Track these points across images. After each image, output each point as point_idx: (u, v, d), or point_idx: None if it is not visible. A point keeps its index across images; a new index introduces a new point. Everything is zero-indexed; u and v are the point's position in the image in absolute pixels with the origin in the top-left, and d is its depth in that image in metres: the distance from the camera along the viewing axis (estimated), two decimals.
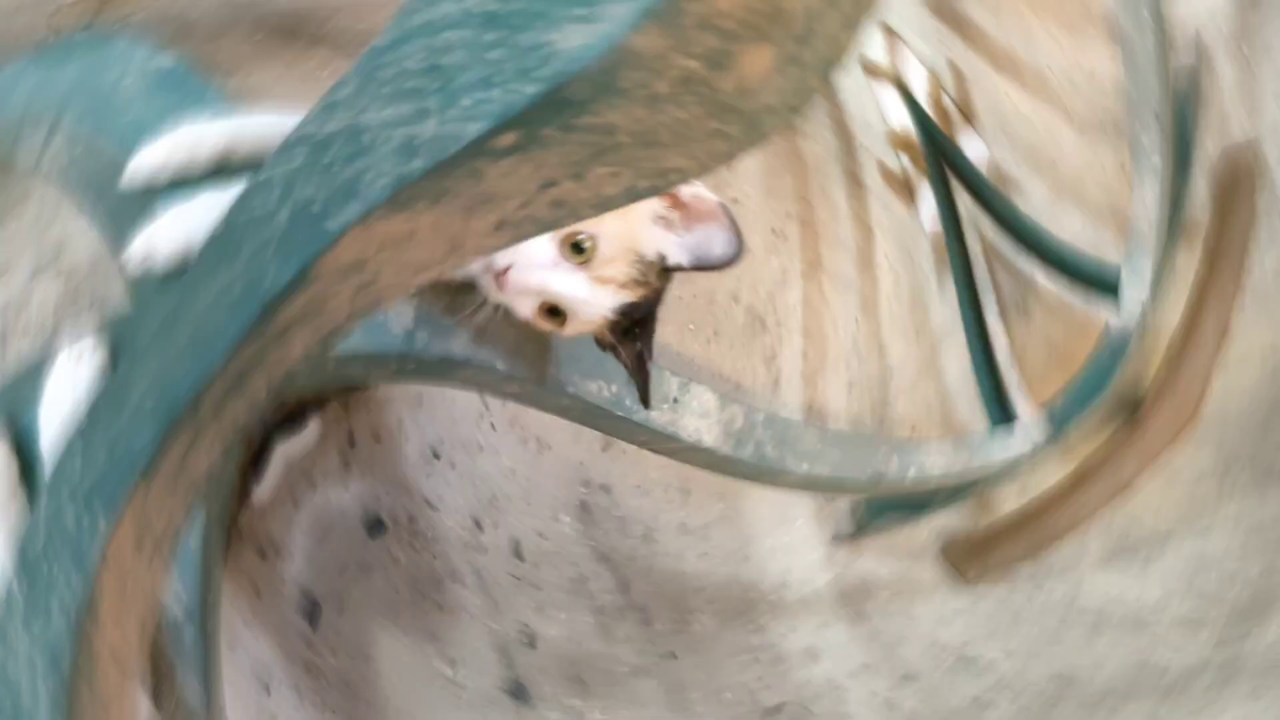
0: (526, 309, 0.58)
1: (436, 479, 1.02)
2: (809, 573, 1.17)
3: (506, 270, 0.55)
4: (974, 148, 1.28)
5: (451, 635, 0.95)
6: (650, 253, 0.58)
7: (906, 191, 1.33)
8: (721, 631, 1.09)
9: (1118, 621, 1.35)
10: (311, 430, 0.89)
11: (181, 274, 0.42)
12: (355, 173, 0.33)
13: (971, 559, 1.54)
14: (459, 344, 0.60)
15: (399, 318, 0.58)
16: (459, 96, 0.32)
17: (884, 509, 1.17)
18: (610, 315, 0.57)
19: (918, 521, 1.17)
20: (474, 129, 0.31)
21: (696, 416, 0.69)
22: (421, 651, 0.93)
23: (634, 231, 0.58)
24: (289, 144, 0.35)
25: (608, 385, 0.66)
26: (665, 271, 0.59)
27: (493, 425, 1.07)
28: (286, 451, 0.88)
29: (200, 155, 0.56)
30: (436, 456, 1.04)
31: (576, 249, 0.56)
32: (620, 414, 0.66)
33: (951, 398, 1.25)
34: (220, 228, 0.37)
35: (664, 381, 0.68)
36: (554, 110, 0.31)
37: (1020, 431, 1.05)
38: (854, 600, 1.15)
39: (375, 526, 0.95)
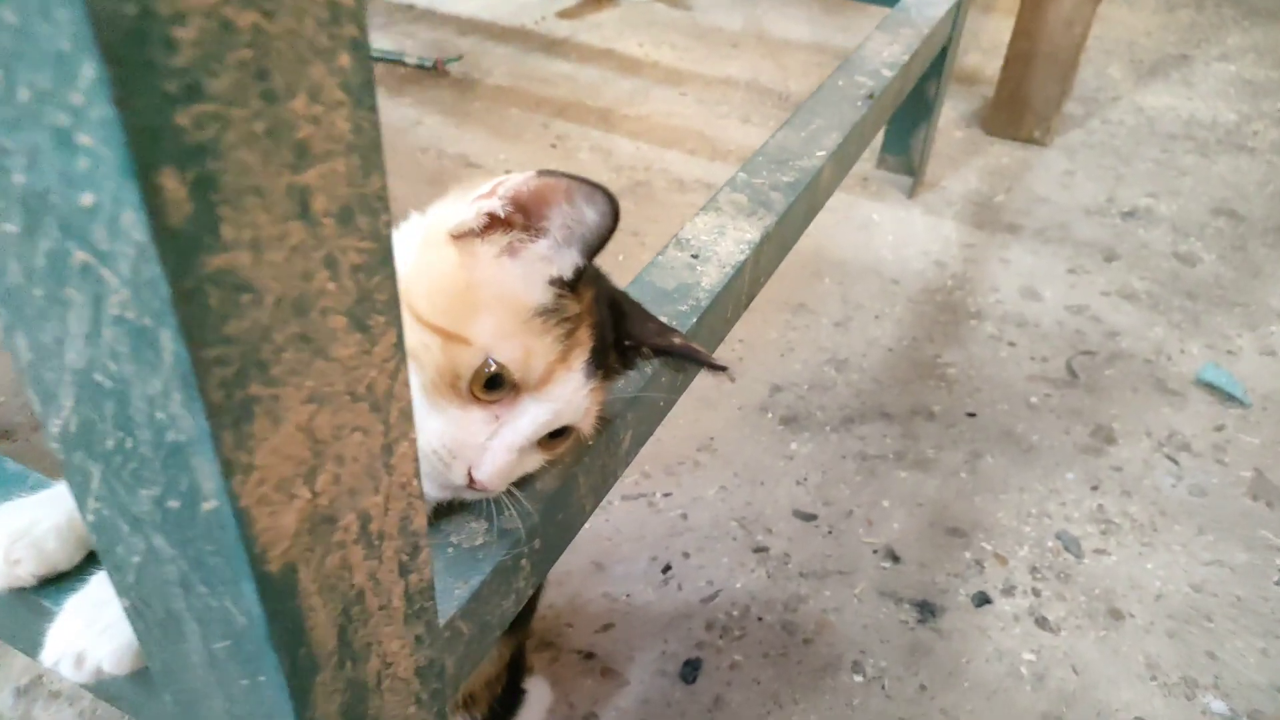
0: (532, 465, 0.55)
1: None
2: None
3: (470, 476, 0.50)
4: None
5: None
6: (537, 296, 0.49)
7: None
8: None
9: (1215, 142, 1.79)
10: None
11: None
12: None
13: (1019, 119, 1.68)
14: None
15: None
16: None
17: None
18: (590, 387, 0.52)
19: None
20: None
21: None
22: None
23: (505, 296, 0.49)
24: None
25: None
26: (573, 284, 0.51)
27: None
28: None
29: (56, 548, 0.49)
30: None
31: (493, 385, 0.49)
32: None
33: None
34: None
35: None
36: None
37: None
38: None
39: None
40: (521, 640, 0.76)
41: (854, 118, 1.05)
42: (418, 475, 0.40)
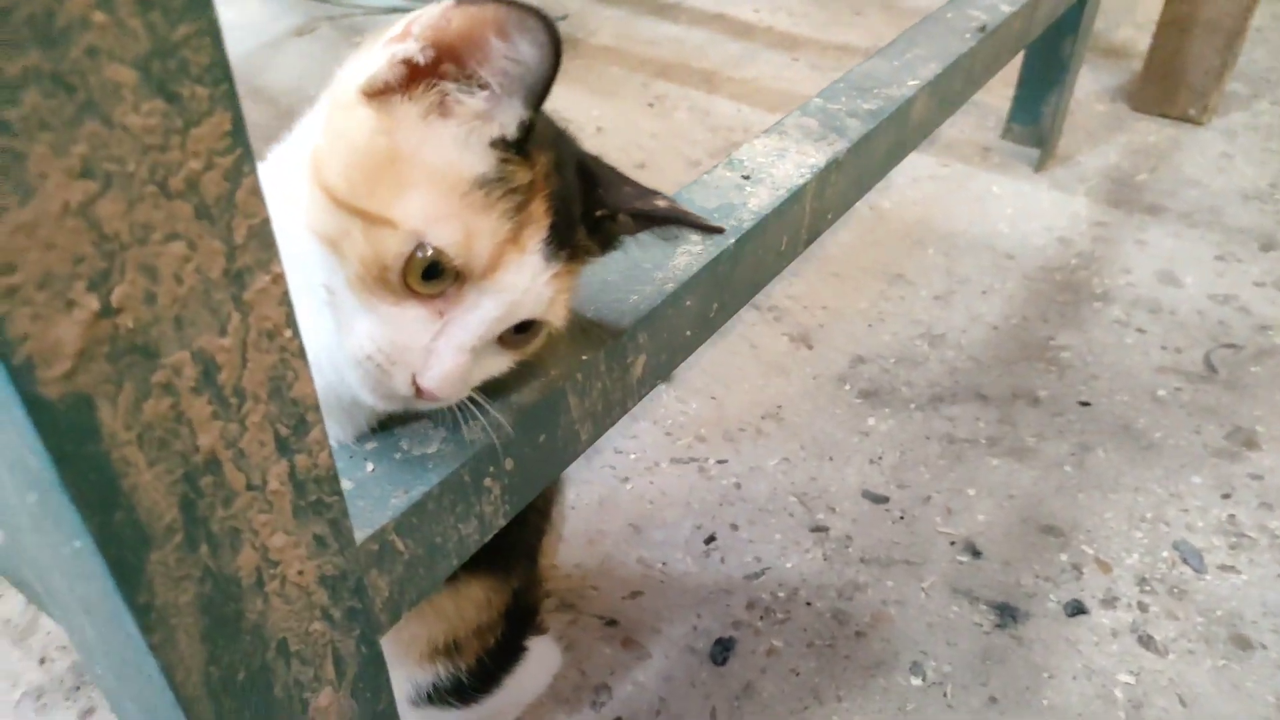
0: (497, 367, 0.47)
1: None
2: None
3: (416, 384, 0.42)
4: None
5: None
6: (476, 164, 0.41)
7: None
8: None
9: None
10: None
11: None
12: None
13: (1172, 94, 1.47)
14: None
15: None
16: None
17: None
18: (552, 271, 0.44)
19: None
20: None
21: None
22: None
23: (436, 166, 0.41)
24: None
25: None
26: (520, 146, 0.42)
27: None
28: None
29: None
30: None
31: (431, 274, 0.41)
32: None
33: None
34: None
35: None
36: None
37: None
38: None
39: None
40: (524, 589, 0.68)
41: (959, 49, 0.94)
42: (293, 328, 0.33)
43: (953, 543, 0.88)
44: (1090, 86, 1.76)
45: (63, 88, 0.24)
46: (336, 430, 0.48)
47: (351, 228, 0.41)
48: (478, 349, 0.44)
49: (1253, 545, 0.89)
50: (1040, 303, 1.20)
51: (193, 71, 0.27)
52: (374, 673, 0.44)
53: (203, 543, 0.33)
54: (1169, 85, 1.65)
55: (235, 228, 0.30)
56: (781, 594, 0.83)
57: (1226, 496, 0.93)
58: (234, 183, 0.29)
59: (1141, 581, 0.85)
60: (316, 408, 0.36)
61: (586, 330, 0.56)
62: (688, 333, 0.63)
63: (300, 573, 0.38)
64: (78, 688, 0.77)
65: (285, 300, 0.32)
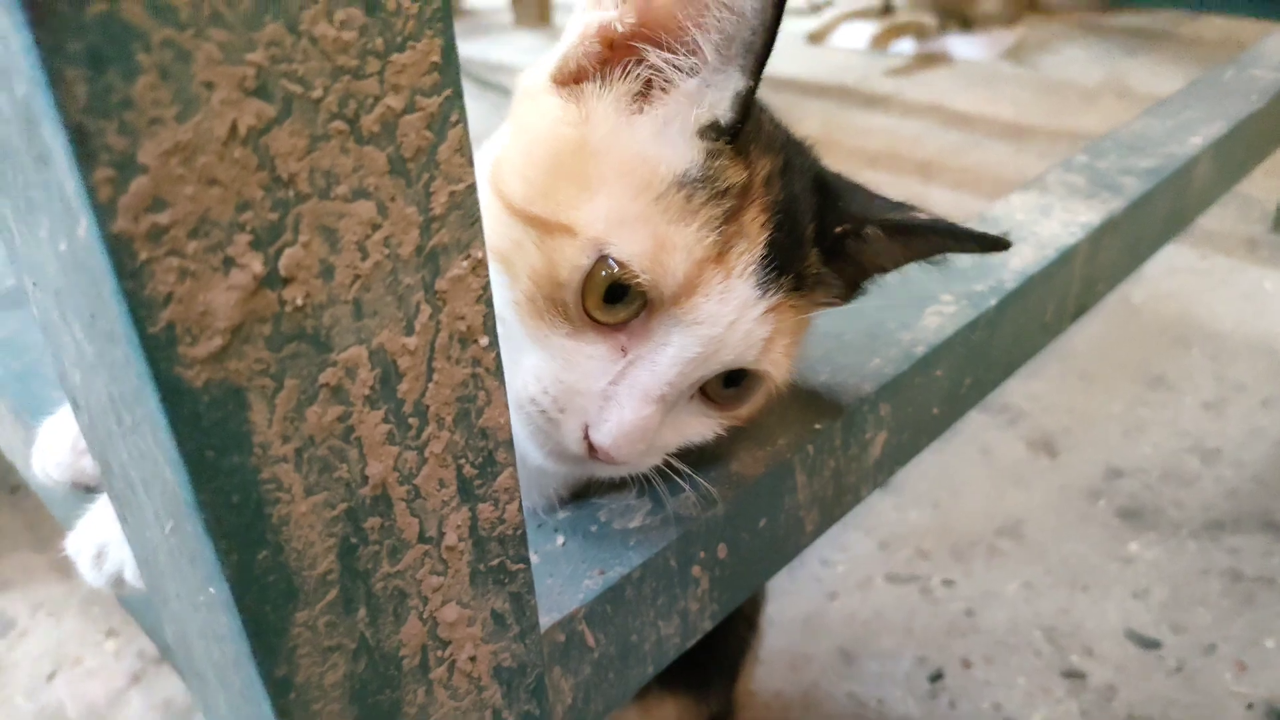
0: (699, 433, 0.39)
1: None
2: None
3: (588, 439, 0.35)
4: None
5: None
6: (679, 158, 0.35)
7: None
8: None
9: None
10: None
11: None
12: None
13: None
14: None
15: None
16: None
17: None
18: (769, 303, 0.36)
19: None
20: None
21: None
22: None
23: (631, 162, 0.35)
24: None
25: None
26: (735, 133, 0.35)
27: None
28: None
29: None
30: None
31: (615, 299, 0.34)
32: None
33: None
34: None
35: None
36: None
37: None
38: None
39: None
40: (720, 715, 0.59)
41: (1245, 110, 0.82)
42: (491, 336, 0.27)
43: (1250, 706, 0.72)
44: None
45: None
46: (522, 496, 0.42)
47: (525, 239, 0.35)
48: (669, 400, 0.36)
49: None
50: None
51: None
52: None
53: (361, 605, 0.27)
54: None
55: (435, 193, 0.24)
56: None
57: None
58: (439, 134, 0.24)
59: None
60: (509, 444, 0.29)
61: (817, 397, 0.48)
62: (935, 410, 0.54)
63: (473, 659, 0.32)
64: None
65: (485, 298, 0.27)
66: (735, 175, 0.35)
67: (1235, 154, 0.84)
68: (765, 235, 0.36)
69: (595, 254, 0.34)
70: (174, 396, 0.21)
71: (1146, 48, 2.21)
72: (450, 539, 0.29)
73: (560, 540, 0.40)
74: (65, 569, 0.91)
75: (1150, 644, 0.78)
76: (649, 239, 0.34)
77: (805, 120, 1.87)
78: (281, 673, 0.26)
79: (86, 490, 0.43)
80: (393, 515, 0.27)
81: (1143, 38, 2.27)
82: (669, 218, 0.34)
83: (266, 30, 0.20)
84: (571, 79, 0.37)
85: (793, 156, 0.39)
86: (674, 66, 0.36)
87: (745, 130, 0.36)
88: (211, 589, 0.25)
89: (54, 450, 0.41)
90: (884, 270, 0.42)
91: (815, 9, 2.53)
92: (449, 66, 0.24)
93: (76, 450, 0.41)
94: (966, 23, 2.27)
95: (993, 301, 0.55)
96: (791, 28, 2.46)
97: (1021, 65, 2.13)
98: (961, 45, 2.20)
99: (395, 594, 0.28)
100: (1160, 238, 0.75)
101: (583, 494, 0.42)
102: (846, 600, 0.83)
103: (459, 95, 0.24)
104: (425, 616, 0.29)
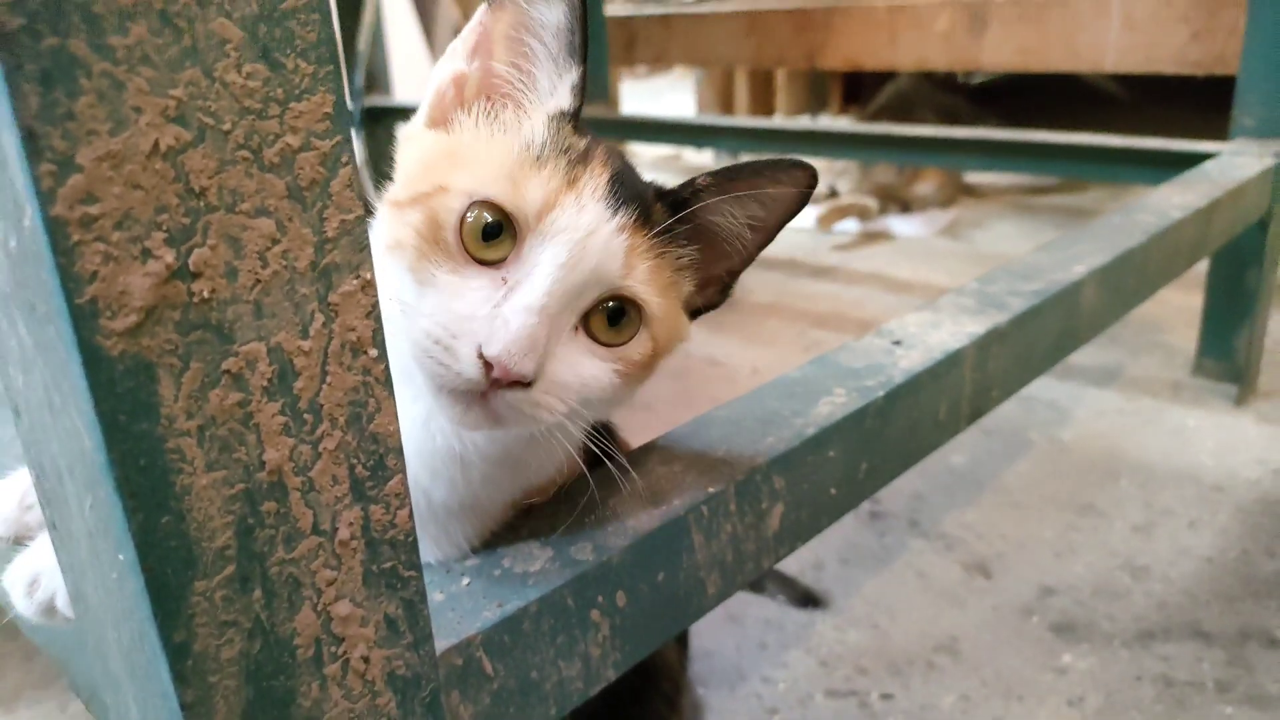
0: (594, 371, 0.43)
1: None
2: None
3: (483, 357, 0.39)
4: None
5: None
6: (531, 135, 0.43)
7: None
8: None
9: None
10: None
11: None
12: None
13: None
14: None
15: None
16: None
17: None
18: (620, 223, 0.42)
19: None
20: None
21: None
22: None
23: (491, 147, 0.44)
24: None
25: None
26: (576, 116, 0.45)
27: None
28: None
29: None
30: None
31: (490, 235, 0.42)
32: None
33: None
34: None
35: None
36: None
37: None
38: None
39: None
40: None
41: (1128, 244, 0.90)
42: (380, 349, 0.32)
43: None
44: None
45: (170, 27, 0.25)
46: (432, 548, 0.45)
47: (411, 213, 0.41)
48: (550, 312, 0.40)
49: None
50: (1261, 536, 1.05)
51: (298, 45, 0.28)
52: None
53: (257, 585, 0.30)
54: None
55: (327, 218, 0.30)
56: None
57: None
58: (331, 170, 0.29)
59: None
60: (399, 452, 0.33)
61: (713, 467, 0.52)
62: (833, 490, 0.58)
63: (365, 660, 0.34)
64: None
65: (374, 315, 0.31)
66: (577, 142, 0.43)
67: (1123, 282, 0.92)
68: (607, 172, 0.43)
69: (467, 200, 0.41)
70: (94, 364, 0.26)
71: (1072, 223, 2.36)
72: (343, 534, 0.32)
73: (465, 581, 0.43)
74: (10, 706, 0.90)
75: None
76: (508, 182, 0.41)
77: (760, 289, 1.98)
78: (180, 638, 0.29)
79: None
80: (288, 503, 0.31)
81: (1069, 214, 2.43)
82: (526, 168, 0.41)
83: (186, 73, 0.26)
84: (439, 122, 0.44)
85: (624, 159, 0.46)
86: (521, 87, 0.43)
87: (581, 112, 0.44)
88: (120, 555, 0.28)
89: (1, 507, 0.45)
90: (719, 227, 0.48)
91: None
92: (339, 118, 0.29)
93: (23, 506, 0.44)
94: (905, 205, 2.44)
95: (881, 394, 0.60)
96: None
97: (957, 240, 2.27)
98: (901, 224, 2.35)
99: (290, 580, 0.31)
100: (1053, 353, 0.81)
101: (490, 545, 0.46)
102: (787, 715, 0.83)
103: (349, 141, 0.30)
104: (319, 608, 0.32)
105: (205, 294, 0.27)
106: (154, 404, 0.27)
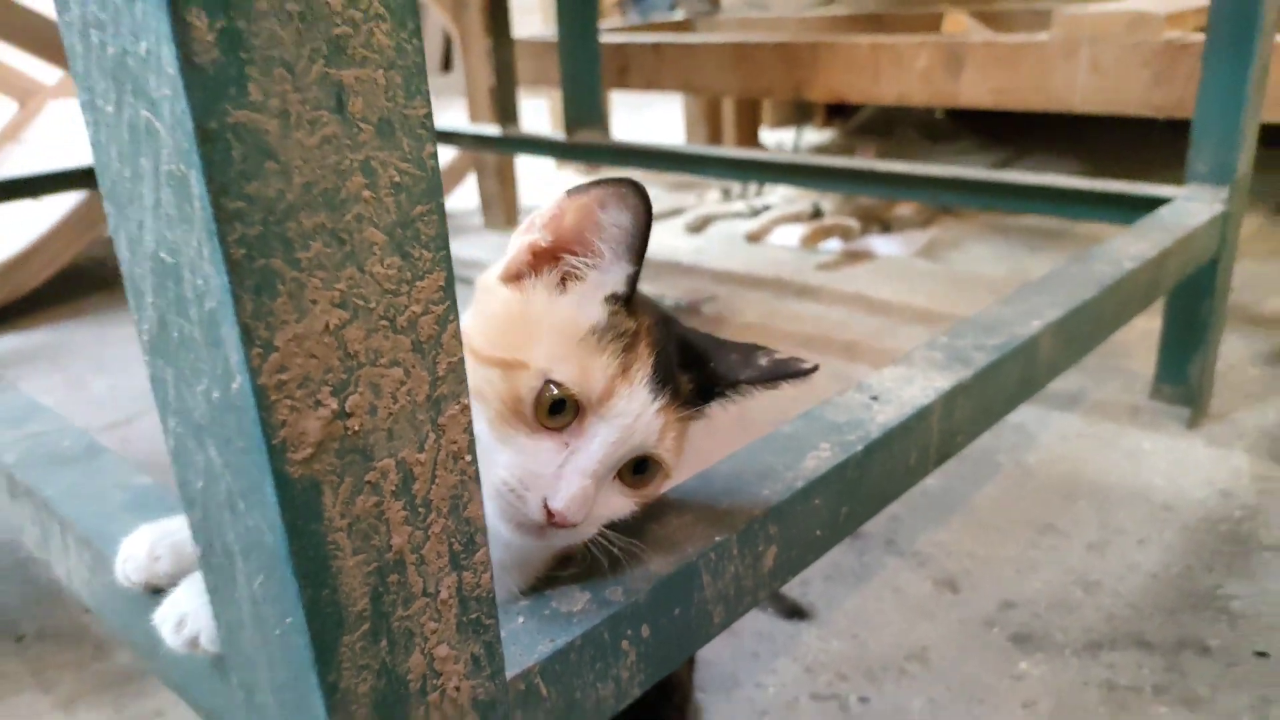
0: (621, 508, 0.54)
1: None
2: None
3: (547, 508, 0.49)
4: None
5: None
6: (592, 316, 0.51)
7: None
8: None
9: None
10: None
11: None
12: None
13: None
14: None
15: None
16: None
17: None
18: (659, 405, 0.52)
19: None
20: None
21: None
22: None
23: (559, 322, 0.51)
24: None
25: None
26: (628, 300, 0.52)
27: None
28: None
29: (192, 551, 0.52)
30: None
31: (557, 410, 0.50)
32: None
33: None
34: None
35: None
36: None
37: None
38: None
39: None
40: None
41: (1082, 296, 1.00)
42: (472, 455, 0.41)
43: None
44: (1243, 351, 1.76)
45: (337, 240, 0.34)
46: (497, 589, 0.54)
47: (492, 375, 0.50)
48: (600, 476, 0.50)
49: None
50: (1204, 553, 1.15)
51: (423, 239, 0.37)
52: None
53: (384, 637, 0.39)
54: None
55: (439, 362, 0.39)
56: None
57: None
58: (442, 326, 0.38)
59: None
60: (484, 531, 0.42)
61: (719, 518, 0.61)
62: (818, 532, 0.67)
63: (457, 689, 0.43)
64: None
65: (469, 429, 0.40)
66: (628, 324, 0.51)
67: (1079, 331, 1.01)
68: (651, 358, 0.51)
69: (542, 379, 0.49)
70: (281, 484, 0.35)
71: (1045, 244, 2.46)
72: (444, 595, 0.41)
73: (520, 620, 0.52)
74: (70, 709, 0.99)
75: None
76: (576, 366, 0.50)
77: (747, 309, 2.07)
78: (332, 679, 0.38)
79: (154, 591, 0.54)
80: (406, 575, 0.40)
81: (1042, 235, 2.53)
82: (588, 353, 0.50)
83: (346, 271, 0.35)
84: (513, 278, 0.53)
85: (663, 316, 0.55)
86: (583, 264, 0.52)
87: (633, 298, 0.52)
88: (289, 619, 0.37)
89: (134, 559, 0.53)
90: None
91: (755, 212, 2.79)
92: (449, 287, 0.38)
93: (151, 557, 0.53)
94: (886, 225, 2.53)
95: (860, 447, 0.69)
96: (736, 228, 2.72)
97: (935, 261, 2.37)
98: (881, 244, 2.45)
99: (406, 632, 0.40)
100: (1013, 400, 0.91)
101: (538, 589, 0.55)
102: (776, 717, 0.93)
103: (454, 303, 0.39)
104: (425, 652, 0.41)
105: (355, 428, 0.36)
106: (319, 510, 0.36)
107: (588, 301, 0.52)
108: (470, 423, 0.40)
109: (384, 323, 0.36)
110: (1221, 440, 1.44)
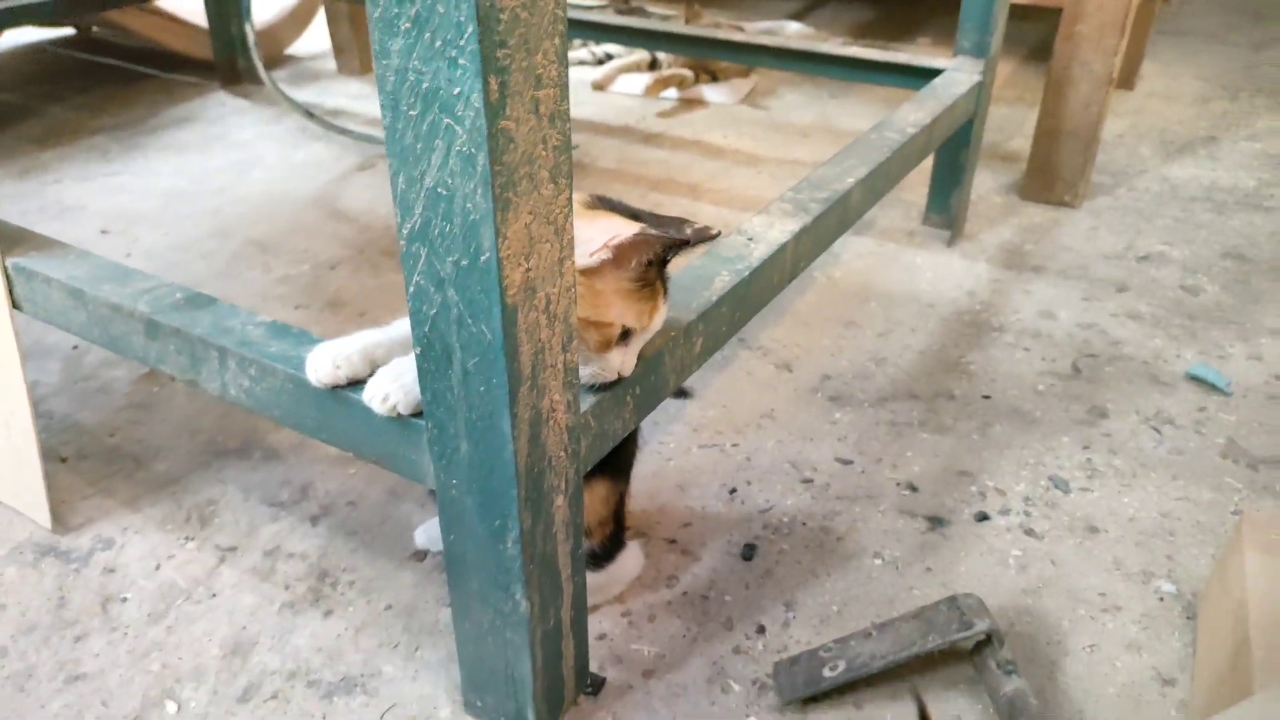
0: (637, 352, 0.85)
1: None
2: None
3: (619, 373, 0.83)
4: None
5: None
6: (635, 278, 0.80)
7: None
8: None
9: (1233, 203, 2.17)
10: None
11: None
12: None
13: (1050, 185, 1.66)
14: None
15: None
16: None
17: None
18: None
19: None
20: None
21: None
22: None
23: (620, 290, 0.80)
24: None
25: None
26: (652, 263, 0.81)
27: None
28: None
29: (358, 363, 0.81)
30: None
31: (624, 336, 0.82)
32: None
33: None
34: None
35: None
36: None
37: None
38: None
39: None
40: (622, 496, 1.05)
41: (879, 158, 1.37)
42: (574, 290, 0.73)
43: (898, 484, 1.27)
44: (991, 184, 2.23)
45: (529, 180, 0.64)
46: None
47: (589, 334, 0.80)
48: (637, 347, 0.84)
49: (1103, 475, 1.28)
50: (954, 335, 1.62)
51: (563, 172, 0.67)
52: (578, 499, 0.81)
53: (534, 388, 0.72)
54: (1047, 179, 2.12)
55: (564, 237, 0.69)
56: (785, 519, 1.21)
57: (1086, 448, 1.33)
58: (566, 219, 0.69)
59: (1026, 500, 1.24)
60: (577, 333, 0.74)
61: (672, 323, 0.95)
62: (724, 328, 1.03)
63: (561, 418, 0.76)
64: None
65: (573, 276, 0.72)
66: (652, 274, 0.82)
67: (877, 184, 1.39)
68: (664, 292, 0.84)
69: (621, 328, 0.81)
70: (503, 308, 0.65)
71: (844, 93, 2.85)
72: (558, 365, 0.73)
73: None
74: (135, 506, 1.24)
75: (847, 462, 1.31)
76: (633, 315, 0.81)
77: (604, 156, 2.36)
78: (515, 410, 0.70)
79: (333, 389, 0.83)
80: (545, 354, 0.71)
81: (842, 85, 2.92)
82: (639, 301, 0.81)
83: (533, 195, 0.65)
84: (589, 271, 0.80)
85: (639, 214, 0.86)
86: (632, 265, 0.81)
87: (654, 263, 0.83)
88: (494, 379, 0.69)
89: (322, 368, 0.82)
90: None
91: (598, 60, 3.02)
92: (570, 202, 0.69)
93: (334, 366, 0.82)
94: (714, 75, 2.84)
95: (746, 273, 1.04)
96: (582, 76, 2.95)
97: (756, 108, 2.71)
98: (711, 93, 2.76)
99: (544, 386, 0.72)
100: (836, 233, 1.28)
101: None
102: (677, 461, 1.31)
103: (571, 206, 0.69)
104: (549, 395, 0.74)
105: (534, 275, 0.67)
106: (516, 320, 0.67)
107: (634, 273, 0.80)
108: (574, 271, 0.72)
109: (544, 221, 0.67)
110: (970, 254, 1.90)
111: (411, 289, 0.69)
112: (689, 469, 1.30)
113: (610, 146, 2.44)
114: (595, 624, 1.05)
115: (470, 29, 0.55)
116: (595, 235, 0.78)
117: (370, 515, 1.23)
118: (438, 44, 0.57)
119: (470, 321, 0.68)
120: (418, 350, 0.73)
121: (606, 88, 2.83)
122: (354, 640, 1.05)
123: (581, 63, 3.02)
